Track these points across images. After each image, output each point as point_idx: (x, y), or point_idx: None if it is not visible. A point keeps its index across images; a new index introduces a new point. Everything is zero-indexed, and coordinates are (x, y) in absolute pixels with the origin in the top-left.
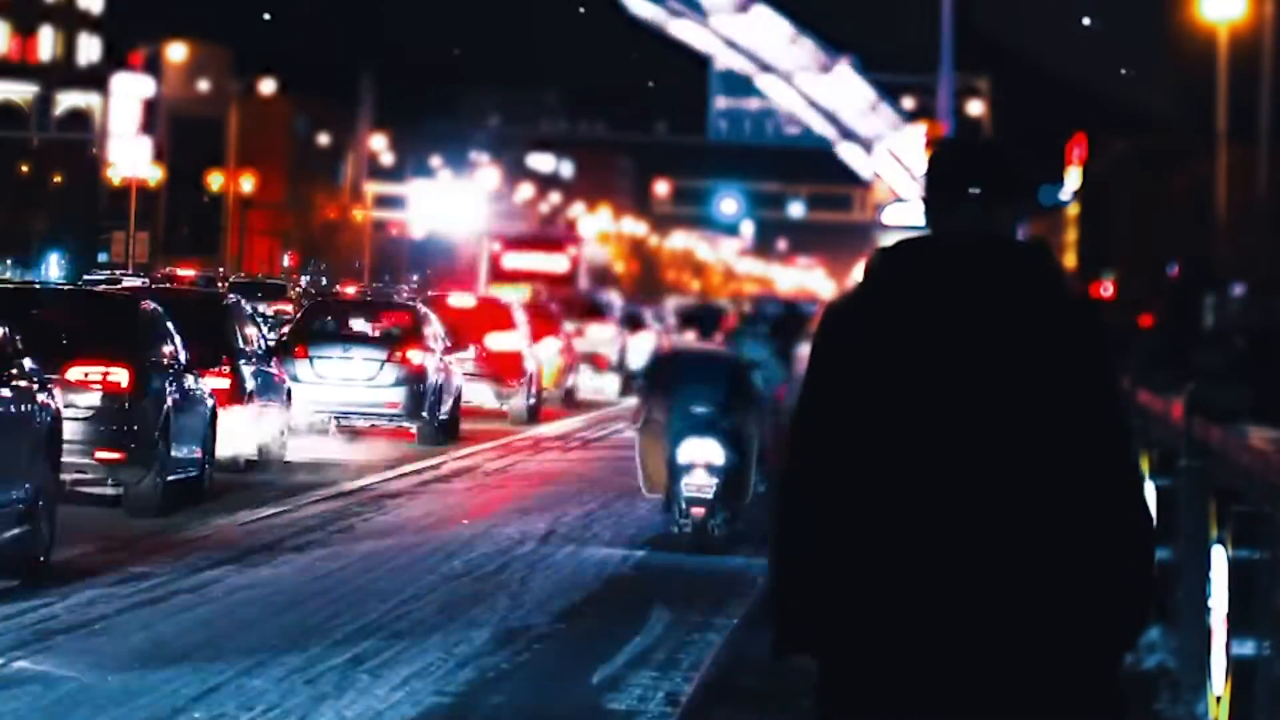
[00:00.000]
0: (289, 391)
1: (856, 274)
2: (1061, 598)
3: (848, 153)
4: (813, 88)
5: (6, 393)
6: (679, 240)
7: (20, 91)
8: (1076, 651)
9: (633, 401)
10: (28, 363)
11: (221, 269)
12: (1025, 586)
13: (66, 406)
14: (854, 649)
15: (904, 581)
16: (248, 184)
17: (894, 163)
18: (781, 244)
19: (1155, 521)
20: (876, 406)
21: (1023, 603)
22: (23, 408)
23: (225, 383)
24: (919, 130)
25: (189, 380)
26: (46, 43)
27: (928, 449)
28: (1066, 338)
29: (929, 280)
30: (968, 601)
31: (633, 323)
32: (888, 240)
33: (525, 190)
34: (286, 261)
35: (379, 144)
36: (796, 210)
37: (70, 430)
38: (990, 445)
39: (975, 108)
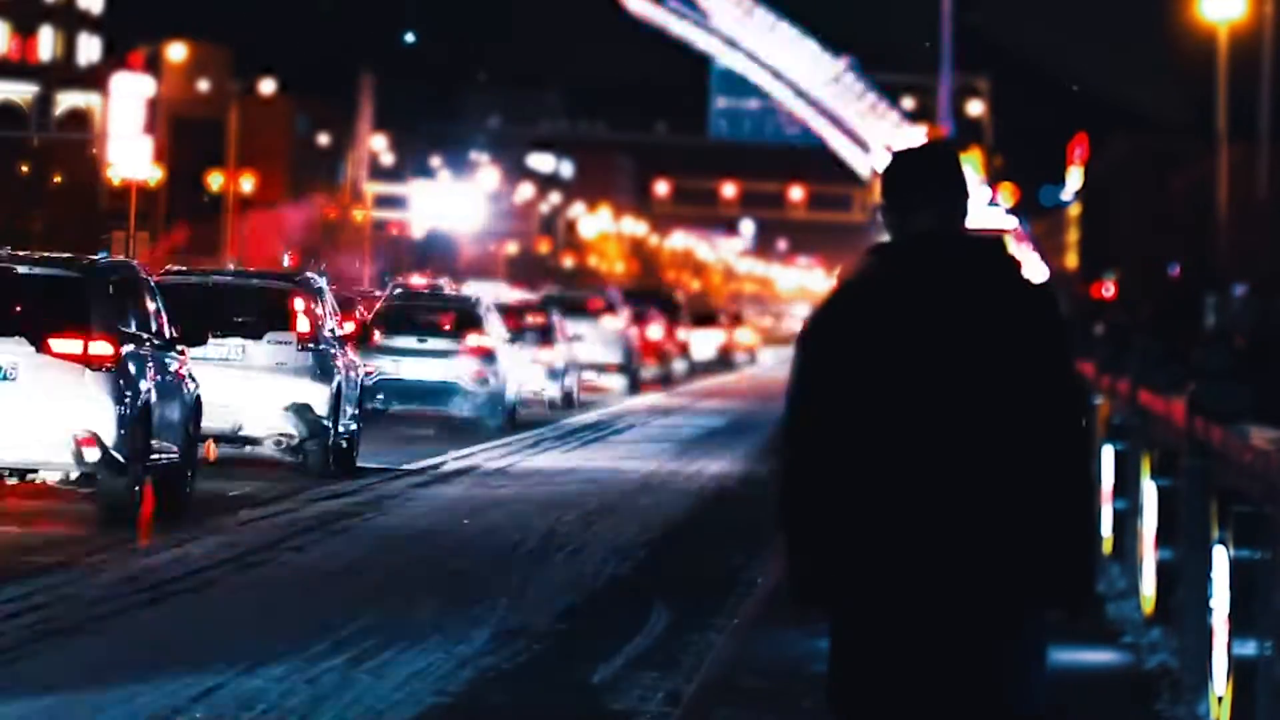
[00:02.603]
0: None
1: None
2: (1019, 544)
3: (846, 150)
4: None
5: None
6: (679, 240)
7: (20, 91)
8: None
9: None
10: None
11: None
12: (991, 533)
13: None
14: (860, 586)
15: (895, 535)
16: (248, 184)
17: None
18: (781, 244)
19: (1096, 483)
20: (863, 388)
21: (988, 545)
22: None
23: None
24: (919, 132)
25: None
26: (46, 43)
27: (909, 421)
28: (1025, 319)
29: (904, 275)
30: (945, 545)
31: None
32: (885, 238)
33: (525, 190)
34: (286, 262)
35: (379, 144)
36: (796, 210)
37: None
38: (962, 415)
39: (975, 108)
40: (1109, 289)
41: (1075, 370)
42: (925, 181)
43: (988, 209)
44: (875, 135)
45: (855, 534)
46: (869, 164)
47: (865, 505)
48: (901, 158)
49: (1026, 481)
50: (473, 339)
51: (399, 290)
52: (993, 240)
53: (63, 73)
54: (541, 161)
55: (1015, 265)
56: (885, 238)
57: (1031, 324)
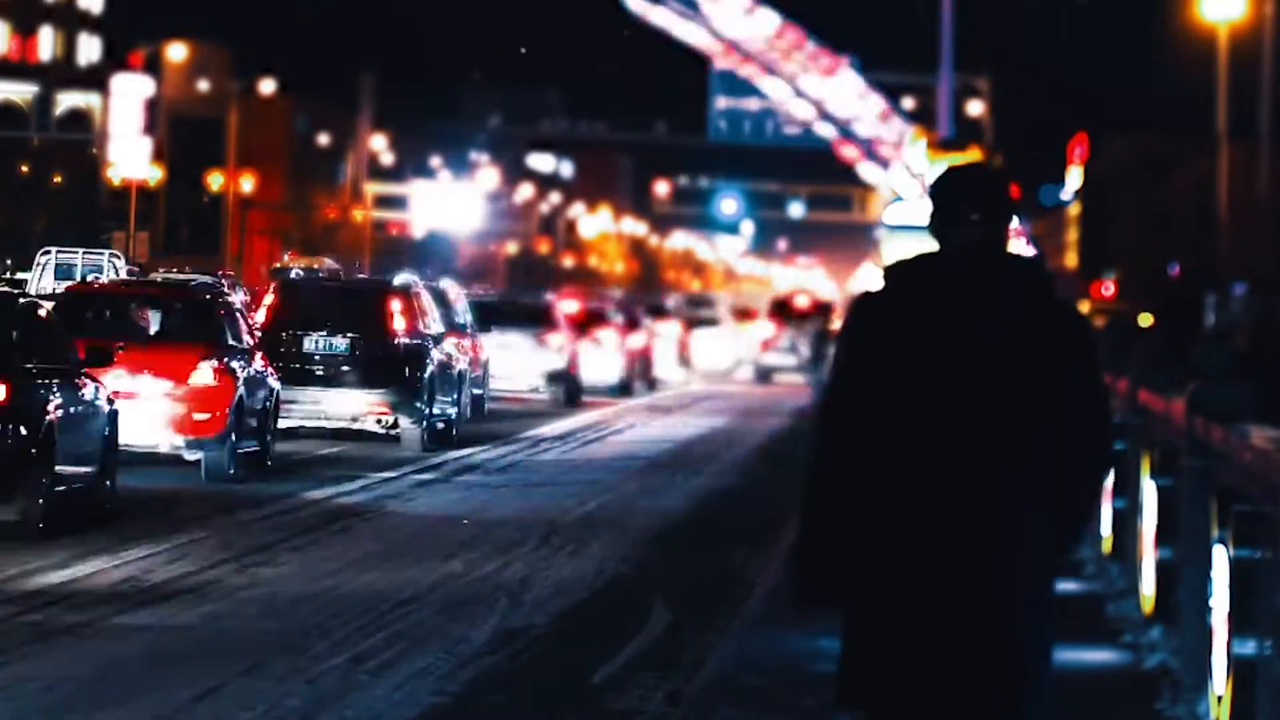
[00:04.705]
0: None
1: (860, 274)
2: (1034, 548)
3: (848, 153)
4: (815, 91)
5: None
6: (679, 240)
7: (20, 91)
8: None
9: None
10: None
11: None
12: (1009, 535)
13: None
14: (872, 590)
15: (915, 532)
16: (248, 184)
17: (907, 173)
18: (781, 244)
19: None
20: (895, 392)
21: (1005, 548)
22: None
23: None
24: (921, 145)
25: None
26: (46, 43)
27: (938, 425)
28: (1054, 331)
29: (941, 286)
30: (962, 545)
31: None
32: (890, 239)
33: (525, 190)
34: (286, 260)
35: (379, 144)
36: (796, 210)
37: None
38: (988, 422)
39: (975, 108)
40: (1109, 288)
41: (1105, 384)
42: (971, 198)
43: None
44: (876, 137)
45: (875, 528)
46: (870, 166)
47: (888, 500)
48: (951, 174)
49: (1048, 484)
50: None
51: None
52: (1029, 259)
53: (63, 73)
54: (541, 161)
55: (1049, 283)
56: (887, 239)
57: (1064, 340)
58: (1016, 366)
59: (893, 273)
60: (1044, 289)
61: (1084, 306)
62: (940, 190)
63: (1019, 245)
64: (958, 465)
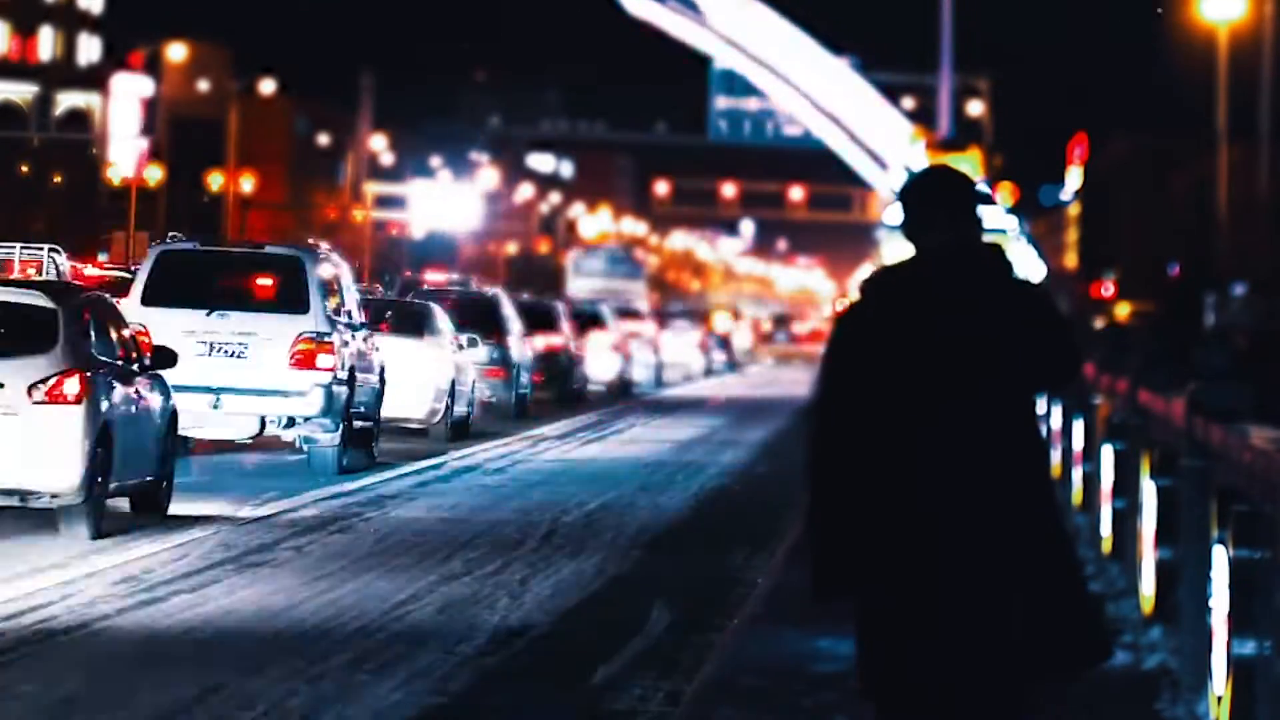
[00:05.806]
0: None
1: (860, 274)
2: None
3: (848, 152)
4: (815, 89)
5: None
6: (679, 240)
7: (20, 91)
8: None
9: None
10: None
11: None
12: (1009, 503)
13: None
14: (884, 569)
15: (920, 510)
16: (248, 184)
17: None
18: (781, 244)
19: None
20: (885, 380)
21: (1004, 534)
22: None
23: None
24: (920, 145)
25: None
26: (46, 43)
27: (927, 407)
28: (1022, 306)
29: (916, 287)
30: (964, 524)
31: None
32: (890, 239)
33: (525, 190)
34: None
35: (379, 144)
36: (796, 210)
37: None
38: (975, 398)
39: (975, 108)
40: (1108, 289)
41: (1070, 329)
42: (933, 203)
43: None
44: (878, 138)
45: (877, 520)
46: (871, 167)
47: (890, 482)
48: (917, 181)
49: (1040, 458)
50: None
51: None
52: (994, 248)
53: (63, 73)
54: (541, 161)
55: (1010, 267)
56: (887, 240)
57: (1026, 307)
58: (993, 349)
59: (869, 282)
60: (1006, 273)
61: (1123, 312)
62: (906, 197)
63: (1019, 246)
64: (951, 449)
